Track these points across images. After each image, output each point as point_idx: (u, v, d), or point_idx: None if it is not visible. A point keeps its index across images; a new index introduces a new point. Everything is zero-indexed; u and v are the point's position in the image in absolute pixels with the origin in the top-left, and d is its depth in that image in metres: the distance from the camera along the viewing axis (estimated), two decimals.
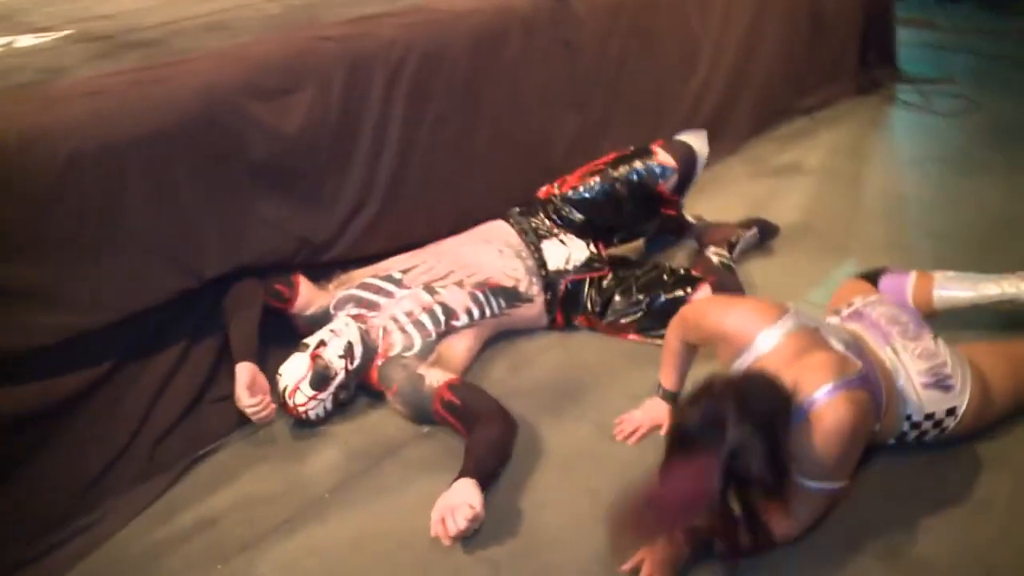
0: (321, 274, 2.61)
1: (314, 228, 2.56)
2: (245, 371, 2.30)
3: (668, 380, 2.30)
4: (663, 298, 2.67)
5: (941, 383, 2.01)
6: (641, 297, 2.68)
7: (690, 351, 2.25)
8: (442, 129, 2.76)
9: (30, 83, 2.28)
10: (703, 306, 2.26)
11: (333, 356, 2.36)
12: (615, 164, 2.86)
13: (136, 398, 2.25)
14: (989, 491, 2.02)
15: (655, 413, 2.33)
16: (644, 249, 3.18)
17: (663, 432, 2.23)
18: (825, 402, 1.77)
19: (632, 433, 2.32)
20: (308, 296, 2.56)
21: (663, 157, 2.84)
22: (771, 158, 3.93)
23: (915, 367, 2.01)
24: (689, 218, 3.21)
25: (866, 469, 2.03)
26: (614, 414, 2.36)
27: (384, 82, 2.58)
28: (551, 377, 2.56)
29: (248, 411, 2.28)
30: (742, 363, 1.93)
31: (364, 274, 2.64)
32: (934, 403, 2.01)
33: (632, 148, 2.91)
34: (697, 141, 2.95)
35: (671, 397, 2.31)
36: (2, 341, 1.96)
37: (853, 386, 1.81)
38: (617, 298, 2.71)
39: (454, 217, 2.84)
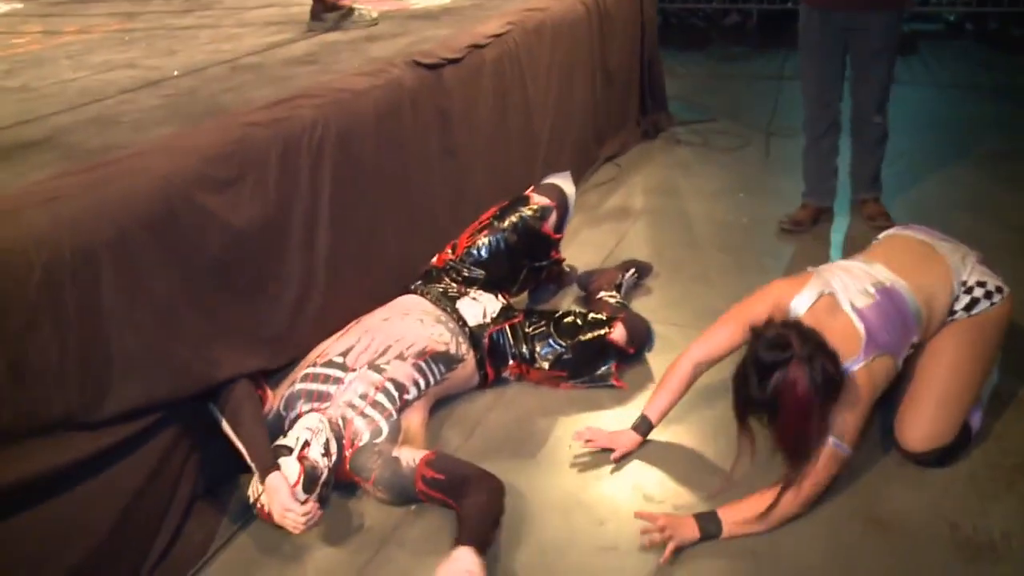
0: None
1: (269, 326, 2.52)
2: (282, 481, 2.20)
3: (654, 409, 2.50)
4: (583, 341, 2.86)
5: (990, 266, 2.44)
6: (564, 343, 2.86)
7: (689, 382, 2.48)
8: (361, 205, 2.81)
9: None
10: (754, 298, 2.42)
11: (317, 455, 2.30)
12: (499, 217, 3.06)
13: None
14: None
15: (619, 438, 2.53)
16: (528, 300, 3.36)
17: (613, 456, 2.50)
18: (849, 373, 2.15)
19: (588, 441, 2.54)
20: (270, 401, 2.51)
21: (539, 199, 3.10)
22: (599, 205, 4.27)
23: (972, 251, 2.46)
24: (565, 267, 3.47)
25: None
26: (584, 459, 2.54)
27: (310, 163, 2.60)
28: (507, 434, 2.68)
29: (299, 520, 2.16)
30: None
31: (302, 366, 2.61)
32: (986, 276, 2.40)
33: (508, 200, 3.13)
34: (563, 182, 3.24)
35: (647, 428, 2.52)
36: None
37: (865, 359, 2.19)
38: (538, 347, 2.86)
39: (382, 292, 2.89)
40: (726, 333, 2.40)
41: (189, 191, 2.23)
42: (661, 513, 2.24)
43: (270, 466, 2.22)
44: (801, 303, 2.29)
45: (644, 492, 2.40)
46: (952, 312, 2.37)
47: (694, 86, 6.23)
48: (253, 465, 2.26)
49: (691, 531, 2.18)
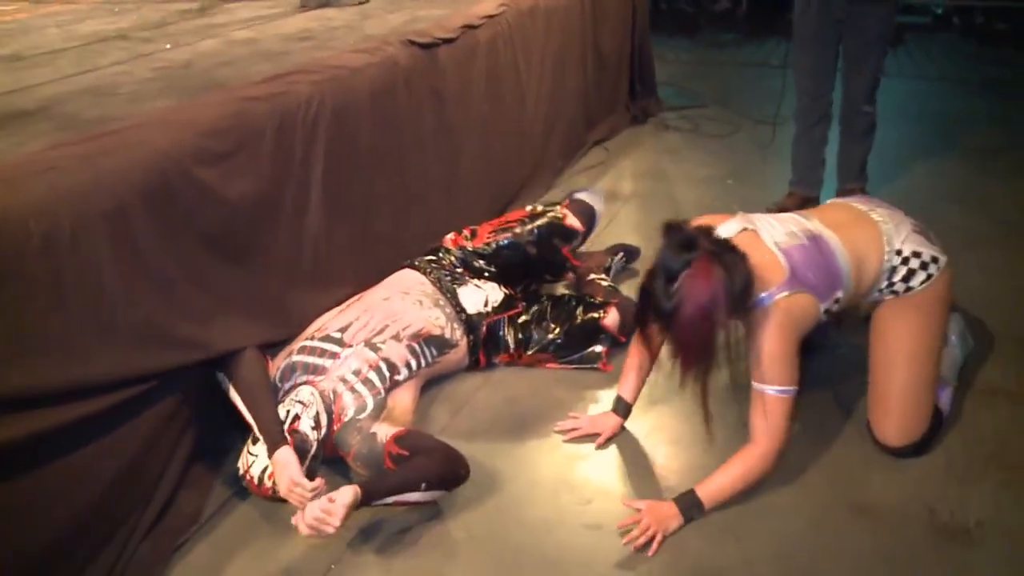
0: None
1: (265, 299, 2.54)
2: (292, 456, 2.23)
3: (626, 389, 2.56)
4: (577, 324, 2.91)
5: (927, 235, 2.38)
6: (556, 328, 2.90)
7: (649, 359, 2.51)
8: (355, 181, 2.83)
9: None
10: None
11: (307, 429, 2.33)
12: (525, 223, 3.03)
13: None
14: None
15: (599, 422, 2.59)
16: None
17: (598, 442, 2.54)
18: (763, 307, 2.14)
19: (570, 431, 2.58)
20: (270, 372, 2.53)
21: (572, 221, 3.06)
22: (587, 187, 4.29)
23: (908, 219, 2.40)
24: None
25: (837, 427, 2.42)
26: (570, 439, 2.58)
27: (305, 139, 2.62)
28: (495, 414, 2.71)
29: (305, 496, 2.14)
30: None
31: (300, 338, 2.64)
32: (922, 245, 2.33)
33: (541, 207, 3.11)
34: (598, 202, 3.23)
35: (625, 409, 2.57)
36: None
37: (785, 291, 2.15)
38: (535, 333, 2.90)
39: (375, 270, 2.91)
40: None
41: (186, 164, 2.25)
42: (642, 502, 2.26)
43: (279, 440, 2.25)
44: (723, 232, 2.23)
45: (628, 473, 2.45)
46: (891, 284, 2.33)
47: (684, 72, 6.27)
48: (262, 437, 2.29)
49: (674, 519, 2.21)
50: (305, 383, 2.47)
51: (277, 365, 2.55)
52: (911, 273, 2.32)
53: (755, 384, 2.18)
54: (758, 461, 2.22)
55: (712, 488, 2.23)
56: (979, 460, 2.42)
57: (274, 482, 2.25)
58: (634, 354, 2.54)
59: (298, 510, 2.07)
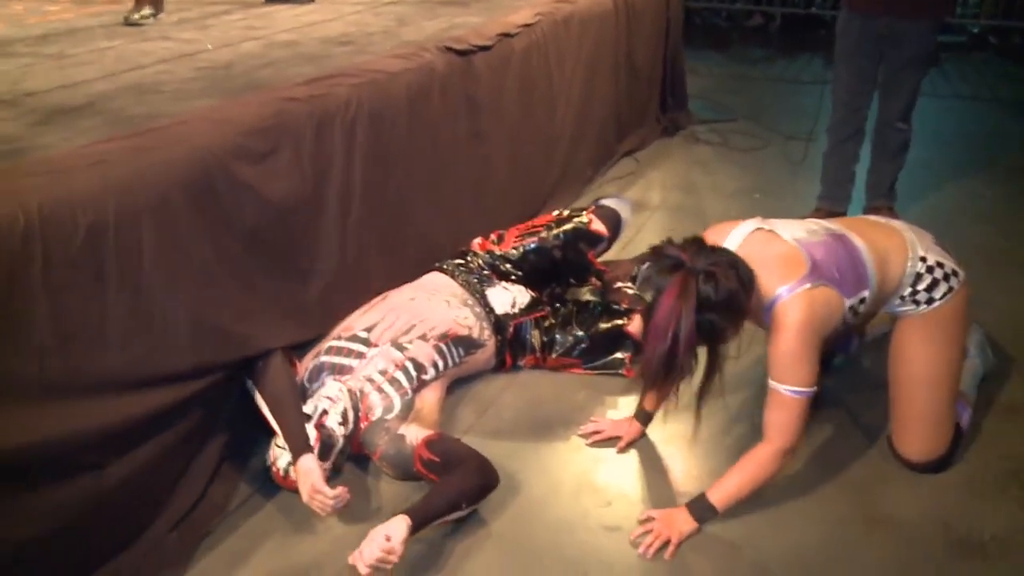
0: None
1: (302, 297, 2.63)
2: (315, 464, 2.28)
3: (648, 399, 2.60)
4: (602, 330, 2.97)
5: (946, 248, 2.38)
6: (581, 333, 2.95)
7: None
8: (390, 184, 2.91)
9: (29, 155, 2.20)
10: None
11: (334, 424, 2.39)
12: (552, 228, 3.11)
13: (157, 477, 2.22)
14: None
15: (621, 426, 2.64)
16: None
17: (619, 447, 2.60)
18: (783, 301, 2.11)
19: (592, 434, 2.64)
20: (298, 373, 2.59)
21: (597, 226, 3.14)
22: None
23: (928, 233, 2.40)
24: None
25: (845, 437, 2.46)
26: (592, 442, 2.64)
27: (343, 141, 2.69)
28: (519, 415, 2.77)
29: (327, 503, 2.20)
30: None
31: (328, 339, 2.70)
32: (943, 257, 2.33)
33: (567, 212, 3.18)
34: (624, 209, 3.30)
35: (645, 417, 2.63)
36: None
37: (807, 284, 2.11)
38: (558, 336, 2.96)
39: (406, 271, 2.98)
40: None
41: (227, 162, 2.33)
42: (656, 512, 2.30)
43: (303, 448, 2.30)
44: (733, 239, 2.23)
45: (647, 478, 2.50)
46: (915, 292, 2.31)
47: (715, 86, 6.31)
48: (287, 444, 2.34)
49: (687, 524, 2.24)
50: (333, 381, 2.53)
51: (305, 366, 2.62)
52: (935, 283, 2.31)
53: (771, 382, 2.16)
54: (769, 460, 2.21)
55: (723, 491, 2.25)
56: (997, 476, 2.46)
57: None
58: None
59: (355, 551, 2.05)
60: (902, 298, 2.34)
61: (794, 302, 2.10)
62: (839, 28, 3.85)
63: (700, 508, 2.25)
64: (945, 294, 2.32)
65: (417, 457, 2.34)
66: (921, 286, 2.32)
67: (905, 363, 2.42)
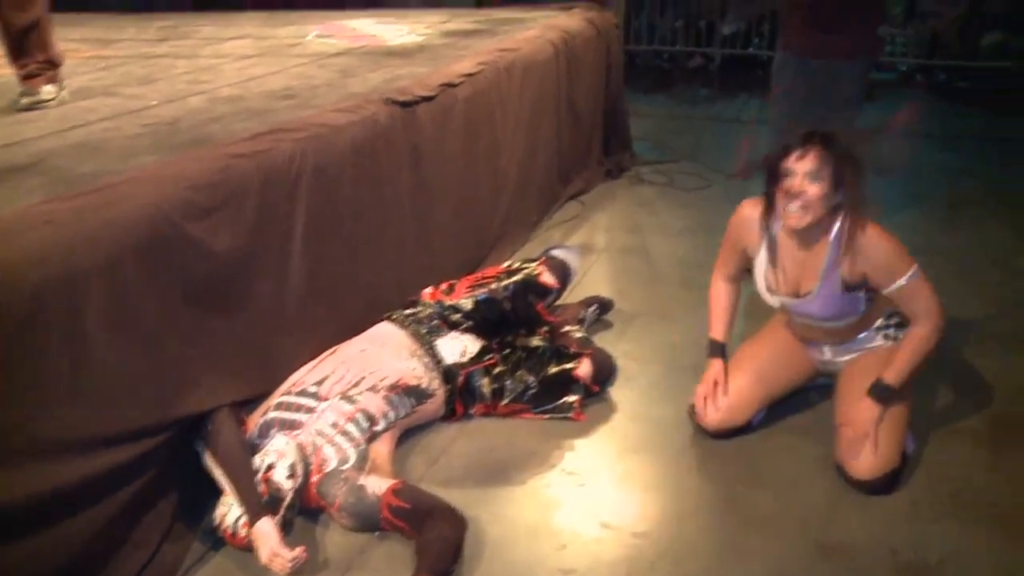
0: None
1: (249, 353, 2.64)
2: (272, 526, 2.31)
3: (717, 330, 2.89)
4: (551, 375, 3.02)
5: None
6: (531, 379, 3.01)
7: (735, 292, 2.92)
8: (335, 237, 2.95)
9: None
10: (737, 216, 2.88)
11: (281, 478, 2.41)
12: (502, 279, 3.18)
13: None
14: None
15: (711, 371, 2.87)
16: None
17: (722, 389, 2.83)
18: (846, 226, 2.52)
19: (705, 400, 2.83)
20: (248, 429, 2.61)
21: (547, 278, 3.21)
22: (562, 243, 4.42)
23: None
24: None
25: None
26: (546, 487, 2.68)
27: (288, 195, 2.73)
28: (471, 463, 2.80)
29: (287, 566, 2.23)
30: None
31: (277, 394, 2.72)
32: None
33: (518, 264, 3.26)
34: (573, 259, 3.39)
35: (720, 349, 2.87)
36: None
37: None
38: (508, 382, 3.00)
39: (354, 323, 3.01)
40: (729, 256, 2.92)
41: (174, 218, 2.34)
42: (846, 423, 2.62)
43: (259, 511, 2.33)
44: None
45: (602, 520, 2.54)
46: (888, 325, 2.71)
47: (659, 127, 6.48)
48: (243, 506, 2.35)
49: (873, 410, 2.57)
50: (281, 436, 2.55)
51: (255, 421, 2.62)
52: (901, 324, 2.65)
53: (892, 287, 2.50)
54: (927, 338, 2.54)
55: (897, 371, 2.56)
56: (941, 499, 2.54)
57: (248, 531, 2.33)
58: (721, 295, 2.96)
59: None
60: (878, 329, 2.68)
61: (856, 223, 2.50)
62: (775, 69, 3.98)
63: (880, 390, 2.56)
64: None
65: (385, 505, 2.38)
66: (893, 321, 2.67)
67: (861, 376, 2.62)
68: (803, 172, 2.44)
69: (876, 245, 2.48)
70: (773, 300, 2.79)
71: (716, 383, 2.82)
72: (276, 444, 2.49)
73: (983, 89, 7.48)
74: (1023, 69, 7.31)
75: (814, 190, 2.44)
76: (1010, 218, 4.67)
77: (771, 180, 2.54)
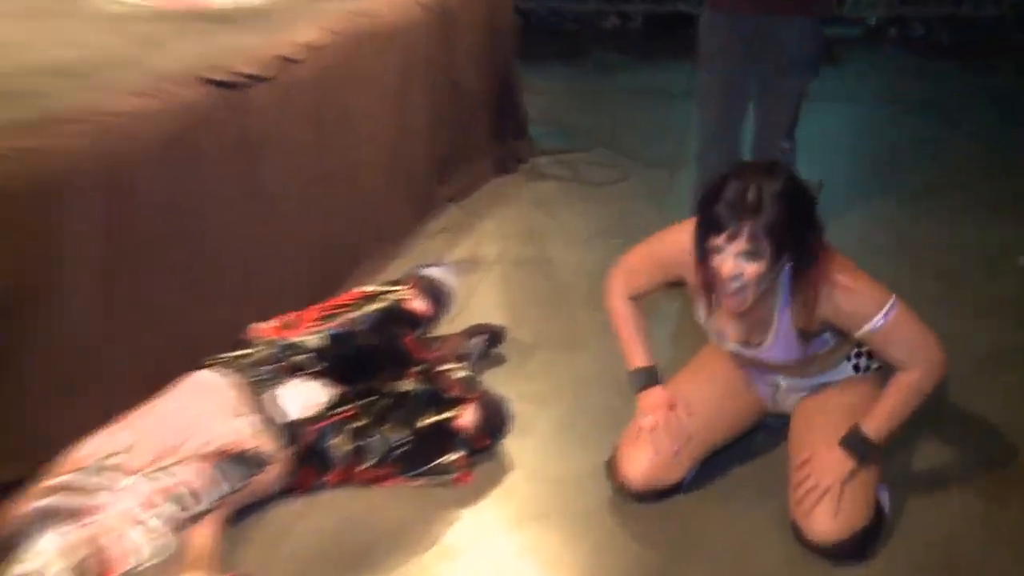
0: None
1: (12, 424, 2.60)
2: None
3: (638, 355, 2.89)
4: (425, 426, 3.00)
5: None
6: (400, 434, 2.97)
7: (641, 310, 2.90)
8: (138, 262, 2.91)
9: None
10: (637, 250, 2.93)
11: None
12: (360, 306, 3.16)
13: None
14: None
15: (652, 402, 2.87)
16: None
17: (663, 417, 2.82)
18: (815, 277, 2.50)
19: (637, 436, 2.81)
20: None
21: (417, 304, 3.21)
22: (444, 256, 4.40)
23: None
24: None
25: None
26: (418, 569, 2.66)
27: (69, 213, 2.66)
28: (325, 547, 2.75)
29: None
30: None
31: (58, 472, 2.58)
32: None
33: (381, 287, 3.25)
34: (452, 278, 3.39)
35: (650, 376, 2.88)
36: None
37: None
38: (371, 440, 2.96)
39: (163, 372, 2.93)
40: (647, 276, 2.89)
41: None
42: (807, 452, 2.63)
43: None
44: None
45: None
46: (859, 353, 2.78)
47: (562, 105, 6.54)
48: None
49: (843, 464, 2.57)
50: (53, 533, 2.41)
51: (20, 511, 2.48)
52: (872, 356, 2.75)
53: (864, 330, 2.50)
54: (919, 380, 2.54)
55: (882, 416, 2.57)
56: (924, 569, 2.59)
57: None
58: (627, 316, 2.94)
59: None
60: (849, 358, 2.77)
61: (821, 262, 2.51)
62: (702, 31, 4.00)
63: (855, 444, 2.58)
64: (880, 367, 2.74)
65: None
66: (866, 348, 2.73)
67: (821, 415, 2.74)
68: (736, 253, 2.39)
69: (834, 284, 2.49)
70: (720, 344, 2.84)
71: (656, 423, 2.82)
72: (42, 545, 2.37)
73: (967, 42, 7.73)
74: (1020, 16, 7.54)
75: (752, 269, 2.40)
76: (998, 205, 4.83)
77: (699, 253, 2.49)
